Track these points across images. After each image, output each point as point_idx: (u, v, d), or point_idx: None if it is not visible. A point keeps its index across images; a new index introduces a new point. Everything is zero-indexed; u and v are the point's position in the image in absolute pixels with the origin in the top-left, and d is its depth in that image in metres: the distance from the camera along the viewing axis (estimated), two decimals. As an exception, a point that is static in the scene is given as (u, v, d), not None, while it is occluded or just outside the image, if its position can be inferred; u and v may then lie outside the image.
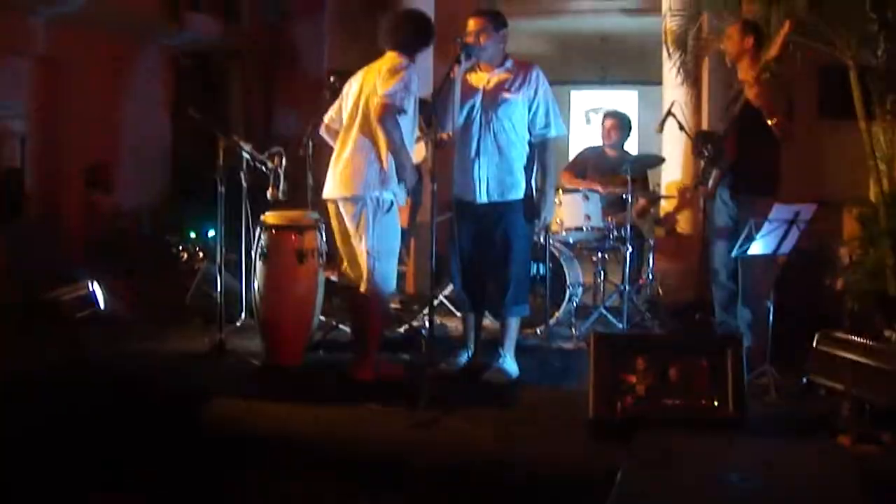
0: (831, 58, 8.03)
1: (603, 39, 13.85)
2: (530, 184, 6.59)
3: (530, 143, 6.59)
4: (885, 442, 4.99)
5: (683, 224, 10.08)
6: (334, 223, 6.58)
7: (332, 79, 7.00)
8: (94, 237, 9.44)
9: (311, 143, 7.53)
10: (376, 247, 6.34)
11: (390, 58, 6.32)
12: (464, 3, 9.80)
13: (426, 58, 9.02)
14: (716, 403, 5.27)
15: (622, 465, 4.07)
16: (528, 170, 6.58)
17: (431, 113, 6.28)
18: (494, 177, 6.48)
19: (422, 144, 6.92)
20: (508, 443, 5.29)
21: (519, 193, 6.53)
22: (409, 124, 6.29)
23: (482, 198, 6.50)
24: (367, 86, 6.32)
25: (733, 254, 6.36)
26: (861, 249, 8.04)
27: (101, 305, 8.07)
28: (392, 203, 6.39)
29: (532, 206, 6.57)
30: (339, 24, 11.05)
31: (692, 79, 9.86)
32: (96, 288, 8.07)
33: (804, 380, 5.81)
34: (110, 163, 9.67)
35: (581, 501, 4.27)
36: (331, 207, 6.58)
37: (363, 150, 6.31)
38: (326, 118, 6.66)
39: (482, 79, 6.56)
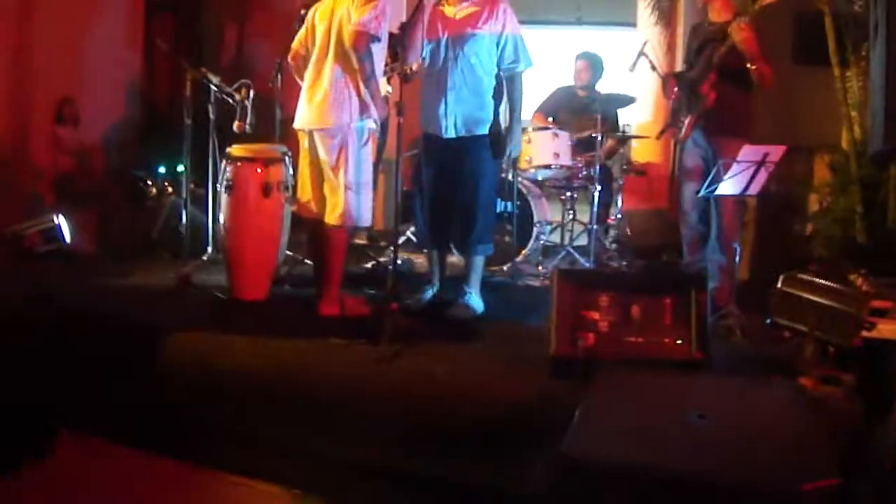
0: (807, 4, 7.97)
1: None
2: (498, 119, 6.56)
3: (498, 78, 6.54)
4: (846, 383, 4.99)
5: (653, 164, 10.02)
6: (305, 155, 6.53)
7: (302, 11, 6.90)
8: (61, 172, 9.34)
9: (279, 76, 7.44)
10: (355, 179, 6.31)
11: None
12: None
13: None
14: (678, 342, 5.25)
15: (582, 402, 4.06)
16: (495, 104, 6.55)
17: (398, 46, 6.23)
18: (462, 112, 6.45)
19: (384, 79, 6.89)
20: (471, 379, 5.27)
21: (486, 128, 6.51)
22: (381, 53, 6.25)
23: (450, 132, 6.46)
24: (338, 13, 6.24)
25: (701, 193, 6.36)
26: (831, 196, 8.03)
27: (67, 240, 8.01)
28: (369, 134, 6.36)
29: (499, 142, 6.55)
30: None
31: (666, 20, 9.82)
32: (62, 222, 8.01)
33: (769, 321, 5.80)
34: (77, 97, 9.55)
35: (542, 438, 4.26)
36: (302, 139, 6.52)
37: (341, 80, 6.25)
38: (295, 45, 6.58)
39: (450, 13, 6.51)
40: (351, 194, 6.30)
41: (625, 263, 8.30)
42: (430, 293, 6.82)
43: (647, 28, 9.97)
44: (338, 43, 6.24)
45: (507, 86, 6.58)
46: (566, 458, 3.60)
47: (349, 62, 6.21)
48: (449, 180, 6.53)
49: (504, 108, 6.63)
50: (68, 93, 9.38)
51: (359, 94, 6.23)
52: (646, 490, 3.48)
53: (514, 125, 6.63)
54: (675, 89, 7.02)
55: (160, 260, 8.01)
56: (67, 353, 5.28)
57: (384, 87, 6.90)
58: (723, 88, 6.61)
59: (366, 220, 6.51)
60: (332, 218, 6.36)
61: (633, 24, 10.70)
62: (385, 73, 6.69)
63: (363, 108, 6.25)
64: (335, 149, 6.29)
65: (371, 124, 6.33)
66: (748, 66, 6.49)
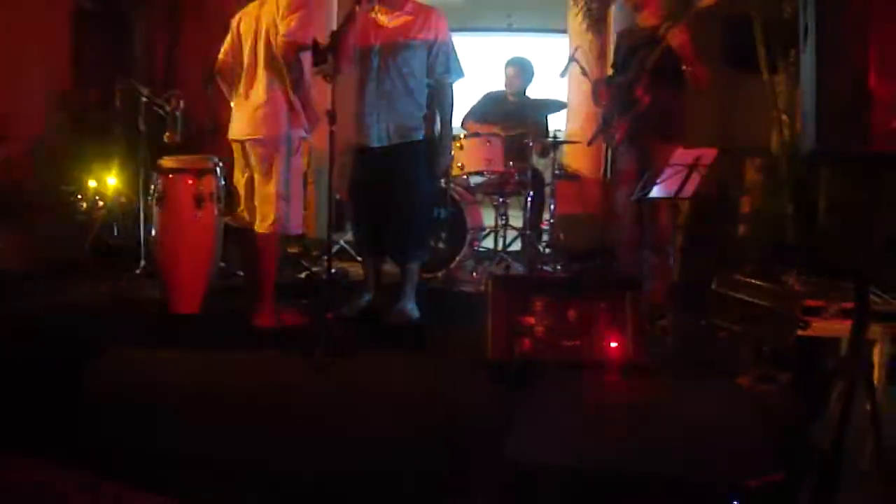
0: (736, 9, 8.03)
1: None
2: (430, 128, 6.56)
3: (429, 87, 6.54)
4: (782, 382, 5.04)
5: (585, 169, 10.05)
6: (238, 164, 6.50)
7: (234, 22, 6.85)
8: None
9: (210, 86, 7.39)
10: (285, 186, 6.29)
11: None
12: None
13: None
14: (615, 345, 5.27)
15: (520, 406, 4.05)
16: (427, 114, 6.54)
17: (329, 53, 6.20)
18: (393, 121, 6.45)
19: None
20: (407, 387, 5.27)
21: (418, 137, 6.51)
22: (308, 60, 6.22)
23: (380, 141, 6.47)
24: (264, 22, 6.22)
25: (634, 197, 6.39)
26: (762, 198, 8.10)
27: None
28: (300, 142, 6.35)
29: (431, 151, 6.54)
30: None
31: (597, 26, 9.86)
32: (-14, 240, 7.88)
33: (703, 322, 5.82)
34: (2, 110, 9.41)
35: (479, 444, 4.24)
36: (236, 149, 6.49)
37: (273, 90, 6.23)
38: (221, 55, 6.53)
39: (382, 21, 6.49)
40: (282, 203, 6.28)
41: (559, 267, 8.34)
42: (364, 302, 6.80)
43: (577, 34, 10.01)
44: (267, 53, 6.22)
45: (437, 96, 6.58)
46: (506, 462, 3.59)
47: (280, 72, 6.18)
48: (382, 189, 6.52)
49: (435, 117, 6.63)
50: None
51: (289, 104, 6.21)
52: (586, 492, 3.48)
53: (445, 135, 6.65)
54: (605, 94, 7.06)
55: (92, 275, 7.89)
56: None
57: None
58: (656, 92, 6.65)
59: (296, 227, 6.49)
60: (262, 227, 6.33)
61: (564, 31, 10.73)
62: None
63: (294, 117, 6.24)
64: (267, 158, 6.27)
65: (302, 133, 6.31)
66: (683, 68, 6.54)
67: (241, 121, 6.37)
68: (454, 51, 6.58)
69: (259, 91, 6.26)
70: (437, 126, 6.69)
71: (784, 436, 4.24)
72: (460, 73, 6.62)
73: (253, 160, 6.34)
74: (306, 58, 6.18)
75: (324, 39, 6.23)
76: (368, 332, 6.41)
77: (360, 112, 6.49)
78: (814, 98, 3.48)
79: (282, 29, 6.08)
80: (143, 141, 7.62)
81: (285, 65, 6.12)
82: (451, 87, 6.62)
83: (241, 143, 6.41)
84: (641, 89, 6.70)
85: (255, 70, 6.29)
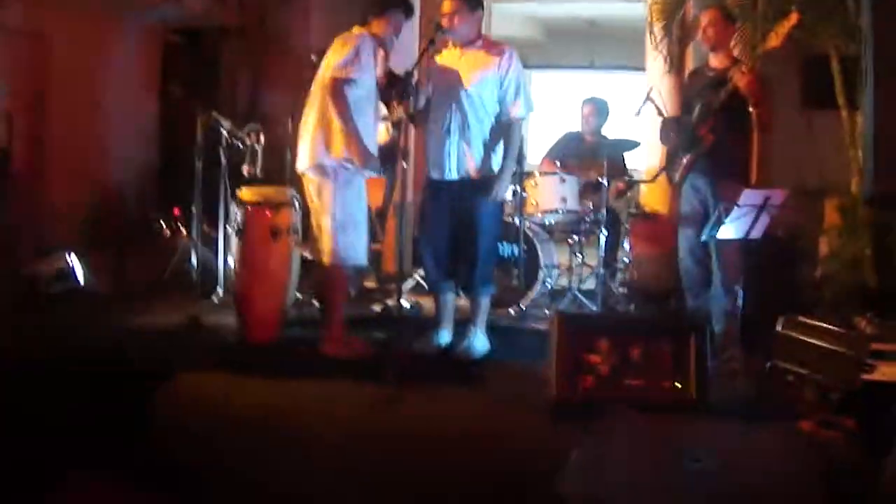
0: (814, 47, 8.00)
1: (591, 24, 13.82)
2: (494, 162, 6.61)
3: (499, 122, 6.60)
4: (846, 428, 4.99)
5: (661, 208, 10.00)
6: (307, 196, 6.66)
7: (314, 58, 6.99)
8: (78, 213, 9.40)
9: (291, 121, 7.52)
10: (340, 217, 6.42)
11: (351, 31, 6.43)
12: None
13: (411, 38, 9.04)
14: (677, 386, 5.28)
15: (579, 445, 4.08)
16: (497, 148, 6.61)
17: (405, 90, 6.31)
18: (464, 154, 6.52)
19: (386, 125, 7.03)
20: (470, 422, 5.32)
21: (488, 172, 6.55)
22: (360, 91, 6.38)
23: (451, 175, 6.55)
24: (327, 59, 6.44)
25: (702, 238, 6.38)
26: (840, 239, 8.02)
27: (80, 280, 8.05)
28: (355, 173, 6.46)
29: (490, 183, 6.57)
30: (326, 3, 10.99)
31: (675, 66, 9.81)
32: (75, 262, 8.06)
33: (768, 364, 5.79)
34: (97, 138, 9.63)
35: (540, 481, 4.28)
36: (304, 181, 6.64)
37: (322, 121, 6.41)
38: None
39: (455, 56, 6.60)
40: (337, 234, 6.42)
41: (633, 307, 8.33)
42: (437, 335, 6.83)
43: (655, 73, 9.98)
44: (322, 87, 6.41)
45: (504, 131, 6.60)
46: (562, 501, 3.63)
47: (327, 105, 6.37)
48: (452, 222, 6.62)
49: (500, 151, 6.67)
50: (88, 132, 9.44)
51: (337, 135, 6.36)
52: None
53: (505, 169, 6.62)
54: (671, 133, 7.06)
55: (171, 301, 8.04)
56: (74, 394, 5.30)
57: (385, 133, 7.04)
58: (721, 132, 6.64)
59: (356, 259, 6.62)
60: (324, 257, 6.47)
61: (644, 69, 10.71)
62: (390, 117, 6.80)
63: (344, 150, 6.36)
64: (320, 189, 6.46)
65: (350, 165, 6.42)
66: (750, 109, 6.54)
67: (300, 151, 6.58)
68: (524, 86, 6.63)
69: (312, 123, 6.46)
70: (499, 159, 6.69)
71: (845, 484, 4.22)
72: (529, 109, 6.67)
73: (311, 191, 6.52)
74: (358, 93, 6.33)
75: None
76: (437, 366, 6.48)
77: (434, 147, 6.59)
78: (872, 138, 3.49)
79: (331, 62, 6.29)
80: (224, 172, 7.78)
81: (331, 99, 6.28)
82: (519, 122, 6.66)
83: (303, 175, 6.60)
84: (706, 129, 6.70)
85: (314, 104, 6.50)
